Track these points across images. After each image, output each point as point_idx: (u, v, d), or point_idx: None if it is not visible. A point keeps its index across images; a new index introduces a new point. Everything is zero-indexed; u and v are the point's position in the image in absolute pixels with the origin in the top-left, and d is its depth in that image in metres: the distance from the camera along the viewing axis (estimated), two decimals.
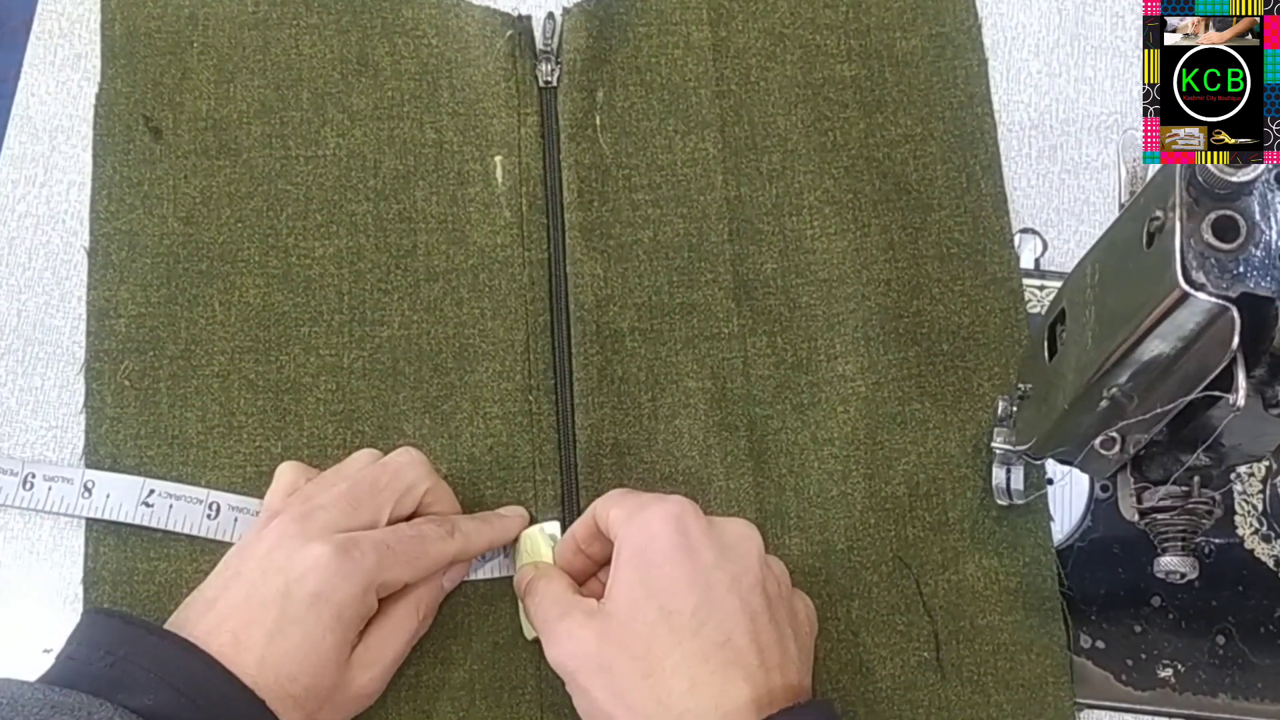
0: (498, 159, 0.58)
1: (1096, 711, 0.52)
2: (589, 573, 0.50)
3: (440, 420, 0.55)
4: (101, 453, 0.54)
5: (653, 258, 0.57)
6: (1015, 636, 0.52)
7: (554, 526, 0.52)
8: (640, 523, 0.46)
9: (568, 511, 0.53)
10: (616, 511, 0.47)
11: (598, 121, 0.59)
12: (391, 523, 0.49)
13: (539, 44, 0.60)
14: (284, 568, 0.45)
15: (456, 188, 0.58)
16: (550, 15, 0.60)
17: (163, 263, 0.57)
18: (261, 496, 0.52)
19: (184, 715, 0.41)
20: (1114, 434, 0.41)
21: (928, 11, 0.61)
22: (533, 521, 0.53)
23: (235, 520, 0.53)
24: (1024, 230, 0.59)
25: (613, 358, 0.55)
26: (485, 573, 0.52)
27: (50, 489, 0.53)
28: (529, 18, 0.61)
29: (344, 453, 0.53)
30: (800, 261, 0.57)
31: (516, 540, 0.52)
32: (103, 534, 0.53)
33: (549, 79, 0.59)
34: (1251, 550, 0.54)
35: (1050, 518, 0.53)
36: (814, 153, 0.59)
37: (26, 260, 0.58)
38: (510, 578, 0.52)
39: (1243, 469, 0.55)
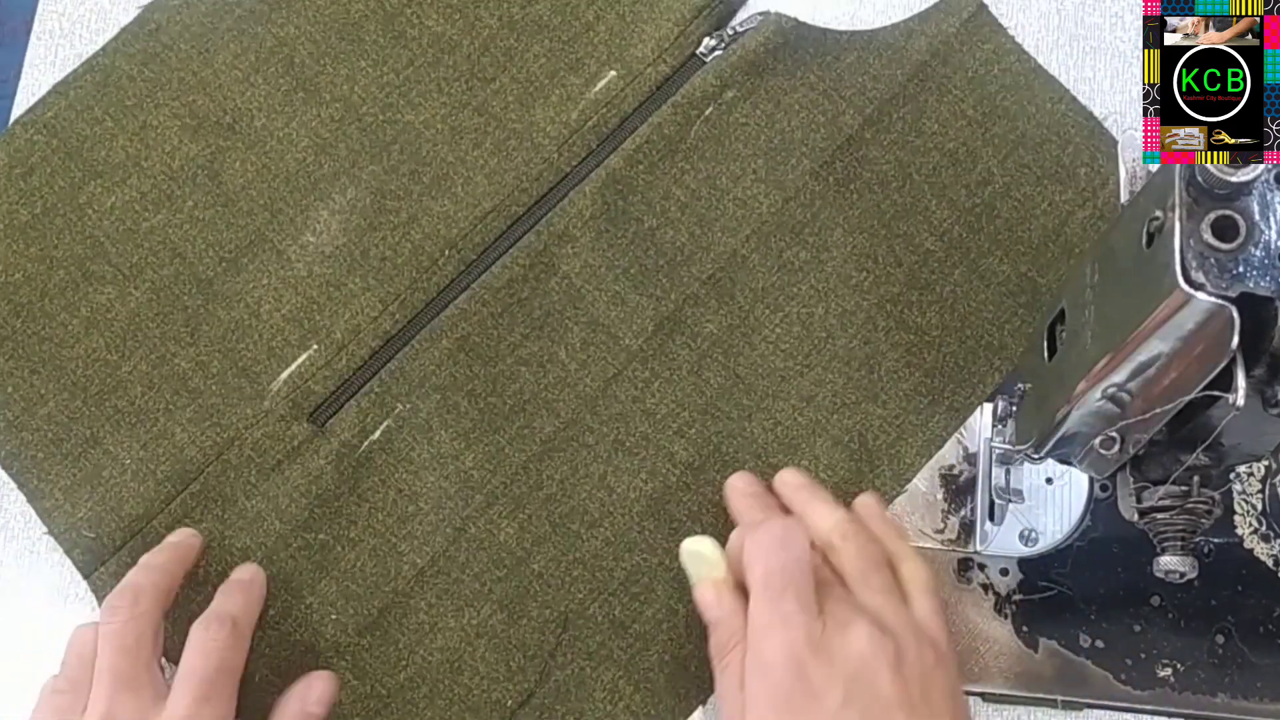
0: (612, 73, 0.59)
1: (1096, 711, 0.52)
2: None
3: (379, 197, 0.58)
4: None
5: (636, 245, 0.57)
6: None
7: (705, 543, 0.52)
8: (757, 655, 0.45)
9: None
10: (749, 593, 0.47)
11: (707, 112, 0.59)
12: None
13: (729, 27, 0.60)
14: None
15: (568, 70, 0.60)
16: (765, 13, 0.60)
17: None
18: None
19: None
20: (1114, 434, 0.41)
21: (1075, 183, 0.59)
22: None
23: None
24: None
25: (542, 276, 0.56)
26: None
27: None
28: (743, 1, 0.61)
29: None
30: (767, 330, 0.57)
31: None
32: None
33: (705, 51, 0.59)
34: (1251, 550, 0.54)
35: None
36: (848, 288, 0.57)
37: None
38: None
39: (1242, 469, 0.55)
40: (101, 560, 0.53)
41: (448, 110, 0.59)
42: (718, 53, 0.59)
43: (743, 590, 0.48)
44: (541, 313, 0.56)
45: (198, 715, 0.46)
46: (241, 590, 0.51)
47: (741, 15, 0.61)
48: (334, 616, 0.53)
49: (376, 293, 0.56)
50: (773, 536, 0.48)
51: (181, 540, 0.52)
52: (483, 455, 0.54)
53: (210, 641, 0.48)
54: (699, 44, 0.60)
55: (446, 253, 0.57)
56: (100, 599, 0.52)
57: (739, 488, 0.53)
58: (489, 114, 0.59)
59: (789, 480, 0.53)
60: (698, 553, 0.51)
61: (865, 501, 0.53)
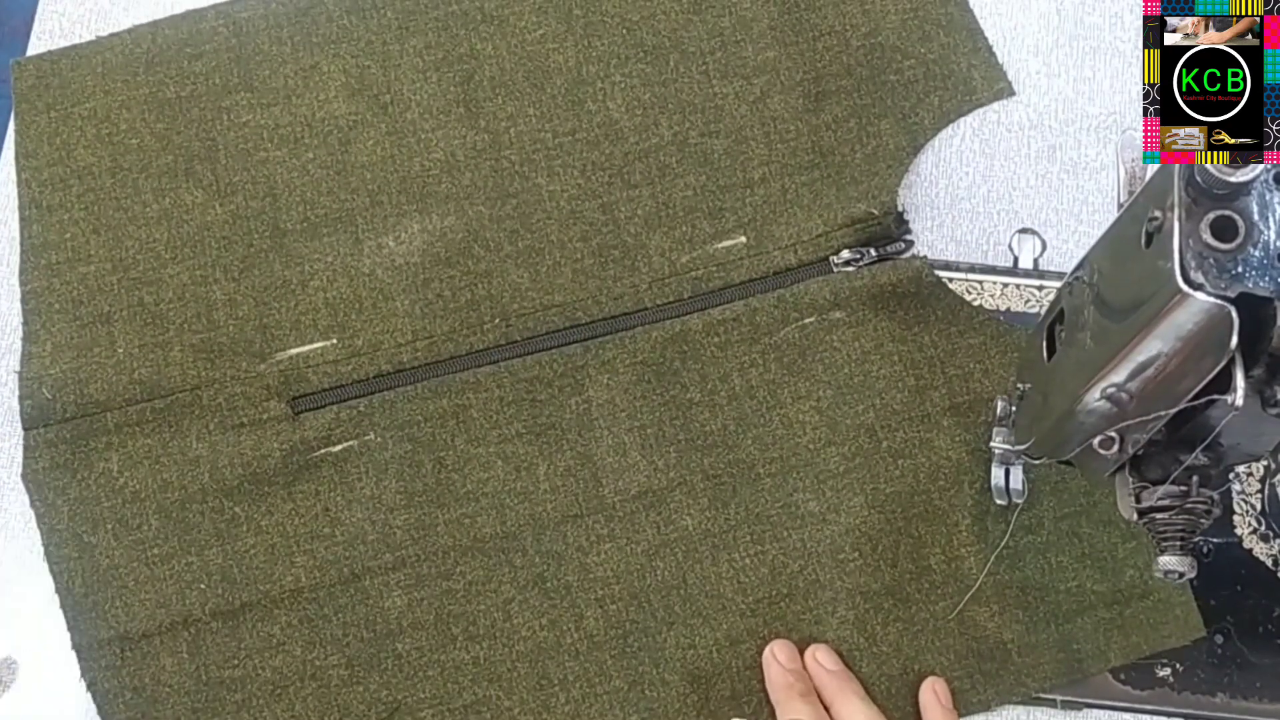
0: (743, 239, 0.57)
1: (1095, 711, 0.52)
2: None
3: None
4: None
5: (667, 409, 0.55)
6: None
7: None
8: None
9: None
10: None
11: (807, 321, 0.56)
12: None
13: (874, 248, 0.57)
14: None
15: (706, 215, 0.58)
16: (911, 241, 0.58)
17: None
18: None
19: None
20: (1113, 434, 0.41)
21: None
22: None
23: None
24: (1023, 230, 0.59)
25: (567, 389, 0.55)
26: None
27: None
28: (907, 232, 0.58)
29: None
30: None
31: None
32: None
33: (838, 261, 0.56)
34: (1250, 550, 0.54)
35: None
36: (833, 561, 0.54)
37: None
38: None
39: (1241, 469, 0.55)
40: (45, 423, 0.54)
41: (578, 193, 0.58)
42: (849, 269, 0.56)
43: None
44: (546, 422, 0.55)
45: None
46: None
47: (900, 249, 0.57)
48: (202, 586, 0.53)
49: (416, 323, 0.56)
50: None
51: None
52: (415, 521, 0.54)
53: None
54: (838, 251, 0.56)
55: (497, 320, 0.56)
56: (30, 460, 0.54)
57: (779, 659, 0.52)
58: (612, 216, 0.57)
59: (823, 661, 0.52)
60: None
61: (939, 689, 0.52)
